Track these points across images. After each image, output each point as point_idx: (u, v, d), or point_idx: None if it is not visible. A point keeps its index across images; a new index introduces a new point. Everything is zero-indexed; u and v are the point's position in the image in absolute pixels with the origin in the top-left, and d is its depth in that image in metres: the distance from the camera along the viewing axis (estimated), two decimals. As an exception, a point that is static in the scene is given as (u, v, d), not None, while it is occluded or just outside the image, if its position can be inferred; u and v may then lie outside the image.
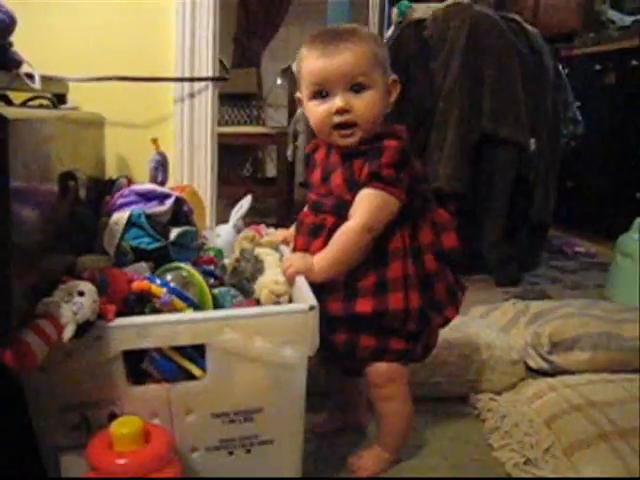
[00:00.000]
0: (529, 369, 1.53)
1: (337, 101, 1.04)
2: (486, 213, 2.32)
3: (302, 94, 1.11)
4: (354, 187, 1.05)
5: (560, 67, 2.66)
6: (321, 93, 1.06)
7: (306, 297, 0.95)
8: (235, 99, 4.13)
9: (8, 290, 0.73)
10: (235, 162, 4.50)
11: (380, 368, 1.11)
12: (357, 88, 1.04)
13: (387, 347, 1.09)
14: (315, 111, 1.08)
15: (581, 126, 2.69)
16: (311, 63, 1.06)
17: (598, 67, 3.15)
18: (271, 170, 4.48)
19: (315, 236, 1.10)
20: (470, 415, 1.38)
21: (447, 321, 1.14)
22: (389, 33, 2.57)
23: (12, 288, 0.73)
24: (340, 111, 1.04)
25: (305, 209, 1.17)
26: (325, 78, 1.04)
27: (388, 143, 1.03)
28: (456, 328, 1.50)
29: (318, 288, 1.04)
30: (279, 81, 4.43)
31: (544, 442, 1.20)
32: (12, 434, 0.96)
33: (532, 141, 2.32)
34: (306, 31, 4.07)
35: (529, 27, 2.45)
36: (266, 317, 0.93)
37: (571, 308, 1.66)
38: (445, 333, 1.34)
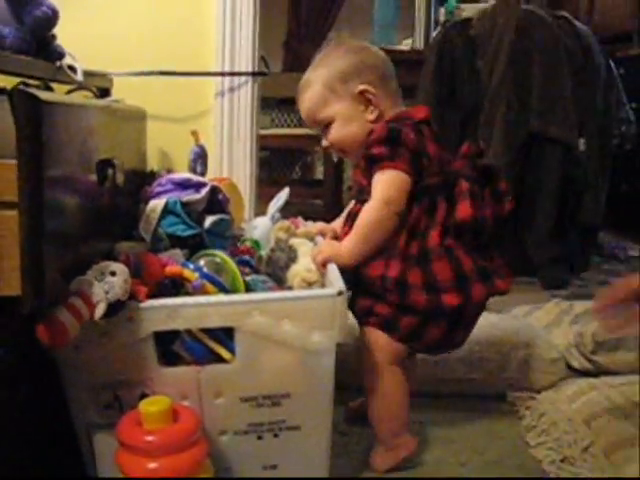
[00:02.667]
0: (572, 369, 1.49)
1: (322, 141, 1.20)
2: (533, 214, 2.28)
3: None
4: (366, 172, 1.11)
5: (613, 67, 2.59)
6: None
7: (335, 282, 0.95)
8: (285, 103, 4.17)
9: (41, 270, 0.75)
10: (284, 165, 4.54)
11: (367, 333, 1.10)
12: (325, 126, 1.17)
13: (373, 309, 1.09)
14: None
15: (633, 127, 2.61)
16: None
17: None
18: (320, 173, 4.50)
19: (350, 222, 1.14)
20: (507, 413, 1.35)
21: (439, 305, 1.05)
22: (435, 33, 2.55)
23: (45, 268, 0.76)
24: (326, 149, 1.21)
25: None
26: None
27: (374, 127, 1.11)
28: (495, 325, 1.48)
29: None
30: (328, 85, 4.45)
31: (583, 441, 1.17)
32: (46, 411, 0.99)
33: (581, 141, 2.27)
34: (355, 34, 4.06)
35: (579, 25, 2.40)
36: (294, 301, 0.93)
37: (617, 308, 1.61)
38: (483, 329, 1.32)
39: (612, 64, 2.54)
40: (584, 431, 1.19)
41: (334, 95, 1.13)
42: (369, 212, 1.07)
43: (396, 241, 1.06)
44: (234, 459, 0.99)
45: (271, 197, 1.40)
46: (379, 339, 1.09)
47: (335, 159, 3.12)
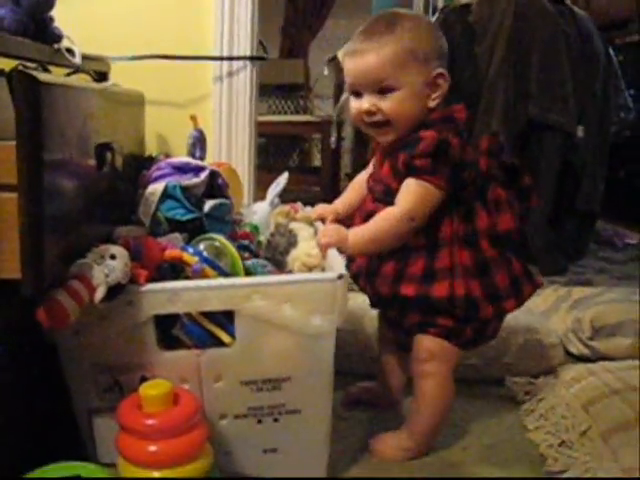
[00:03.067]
0: (569, 355, 1.50)
1: (364, 103, 1.06)
2: (531, 200, 2.28)
3: None
4: (398, 175, 1.06)
5: (612, 53, 2.58)
6: (354, 91, 1.08)
7: (336, 267, 0.95)
8: (282, 90, 4.17)
9: (41, 252, 0.75)
10: (282, 153, 4.54)
11: (425, 341, 1.09)
12: (383, 90, 1.04)
13: (434, 321, 1.07)
14: (351, 107, 1.10)
15: (632, 113, 2.61)
16: (345, 61, 1.09)
17: (653, 54, 3.05)
18: (317, 160, 4.50)
19: (366, 220, 1.10)
20: (506, 398, 1.35)
21: (502, 312, 1.10)
22: (434, 19, 2.54)
23: (45, 251, 0.75)
24: (367, 113, 1.06)
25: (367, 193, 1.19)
26: (353, 79, 1.07)
27: (423, 134, 1.02)
28: (494, 311, 1.48)
29: (367, 269, 1.09)
30: (326, 72, 4.43)
31: (581, 425, 1.17)
32: (46, 394, 0.99)
33: (580, 128, 2.27)
34: (353, 21, 4.05)
35: (579, 11, 2.39)
36: (295, 285, 0.93)
37: (614, 294, 1.62)
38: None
39: (611, 51, 2.54)
40: (582, 416, 1.19)
41: (415, 65, 1.03)
42: (390, 220, 1.03)
43: (454, 256, 1.05)
44: (234, 443, 0.99)
45: (269, 184, 1.39)
46: (440, 346, 1.09)
47: (333, 145, 3.13)
